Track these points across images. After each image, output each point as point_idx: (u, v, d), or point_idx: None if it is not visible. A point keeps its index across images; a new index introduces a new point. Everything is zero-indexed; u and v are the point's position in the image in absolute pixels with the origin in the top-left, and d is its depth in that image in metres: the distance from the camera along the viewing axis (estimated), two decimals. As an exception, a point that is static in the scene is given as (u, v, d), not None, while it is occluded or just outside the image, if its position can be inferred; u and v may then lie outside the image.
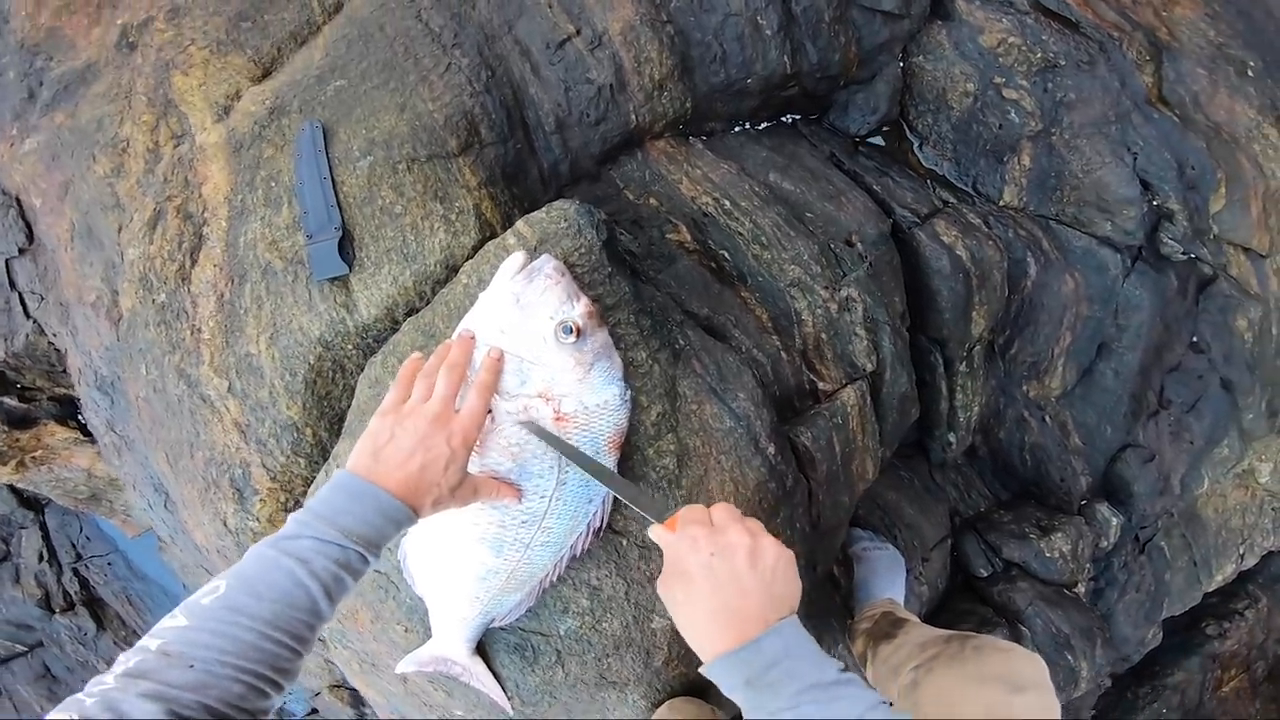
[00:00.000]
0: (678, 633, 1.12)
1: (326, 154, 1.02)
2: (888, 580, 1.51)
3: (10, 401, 1.48)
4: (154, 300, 1.11)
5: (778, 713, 0.64)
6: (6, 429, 1.53)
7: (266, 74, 1.18)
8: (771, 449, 1.09)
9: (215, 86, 1.18)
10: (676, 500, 1.01)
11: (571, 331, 0.89)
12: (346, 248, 1.01)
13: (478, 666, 1.07)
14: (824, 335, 1.25)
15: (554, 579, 1.01)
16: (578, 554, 1.01)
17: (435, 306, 1.04)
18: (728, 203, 1.29)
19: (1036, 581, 1.72)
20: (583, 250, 0.98)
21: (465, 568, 0.98)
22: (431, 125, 1.11)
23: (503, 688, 1.09)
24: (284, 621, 0.62)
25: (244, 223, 1.07)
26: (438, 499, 0.77)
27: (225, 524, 1.17)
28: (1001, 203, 1.58)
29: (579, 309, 0.90)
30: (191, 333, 1.10)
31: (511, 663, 1.06)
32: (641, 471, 1.04)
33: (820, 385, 1.24)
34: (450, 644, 1.04)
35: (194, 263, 1.09)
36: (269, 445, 1.11)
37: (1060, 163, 1.50)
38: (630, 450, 1.03)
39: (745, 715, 0.67)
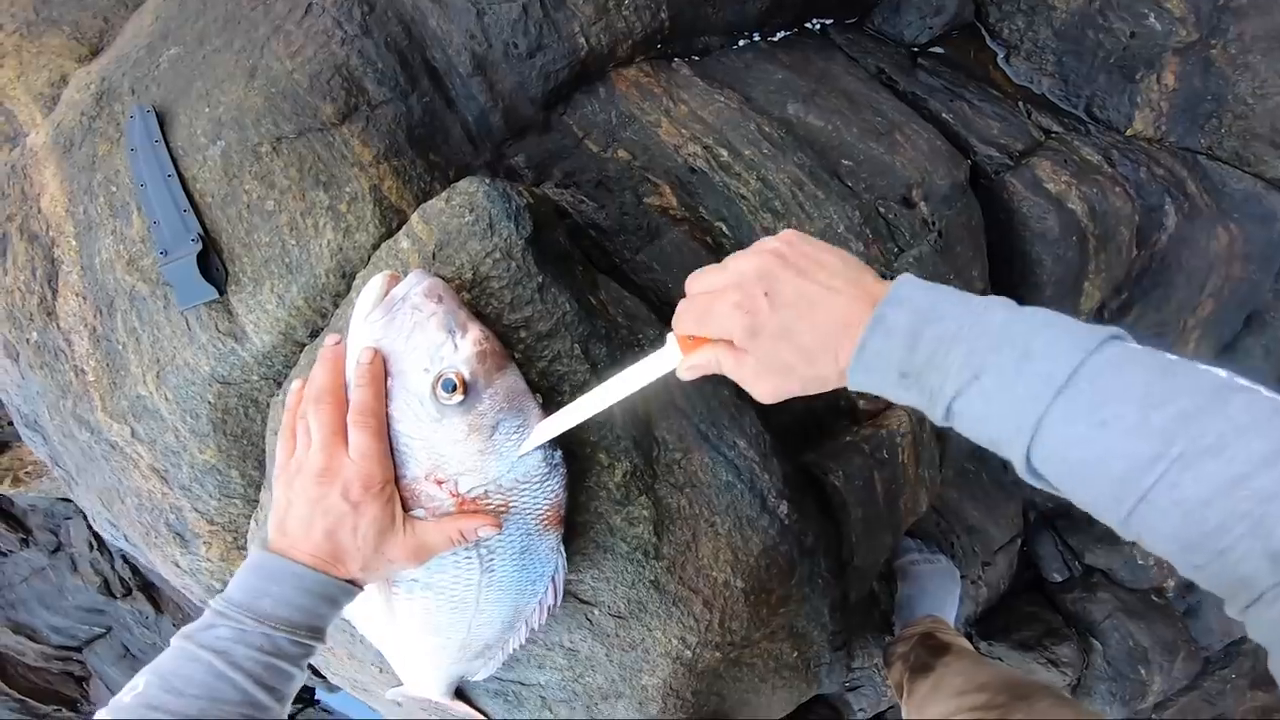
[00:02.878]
0: (674, 686, 0.94)
1: (166, 144, 0.80)
2: (936, 599, 1.28)
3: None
4: (28, 340, 0.92)
5: (962, 390, 0.47)
6: None
7: (96, 52, 0.94)
8: (783, 508, 0.83)
9: (35, 75, 0.93)
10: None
11: (454, 387, 0.63)
12: (214, 262, 0.79)
13: (458, 706, 0.94)
14: (866, 340, 0.95)
15: (514, 648, 0.84)
16: (535, 628, 0.82)
17: (337, 325, 0.79)
18: (724, 152, 0.94)
19: (1120, 590, 1.46)
20: (498, 255, 0.69)
21: (411, 641, 0.82)
22: (293, 90, 0.81)
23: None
24: (214, 715, 0.59)
25: (94, 240, 0.85)
26: (368, 564, 0.66)
27: (178, 565, 1.03)
28: (1129, 132, 1.17)
29: (464, 350, 0.64)
30: (76, 375, 0.92)
31: (496, 706, 0.95)
32: (606, 544, 0.81)
33: (859, 403, 0.95)
34: (424, 689, 0.91)
35: (55, 293, 0.88)
36: (194, 490, 0.94)
37: (1221, 84, 1.08)
38: (588, 519, 0.79)
39: (940, 419, 0.50)
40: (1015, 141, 1.11)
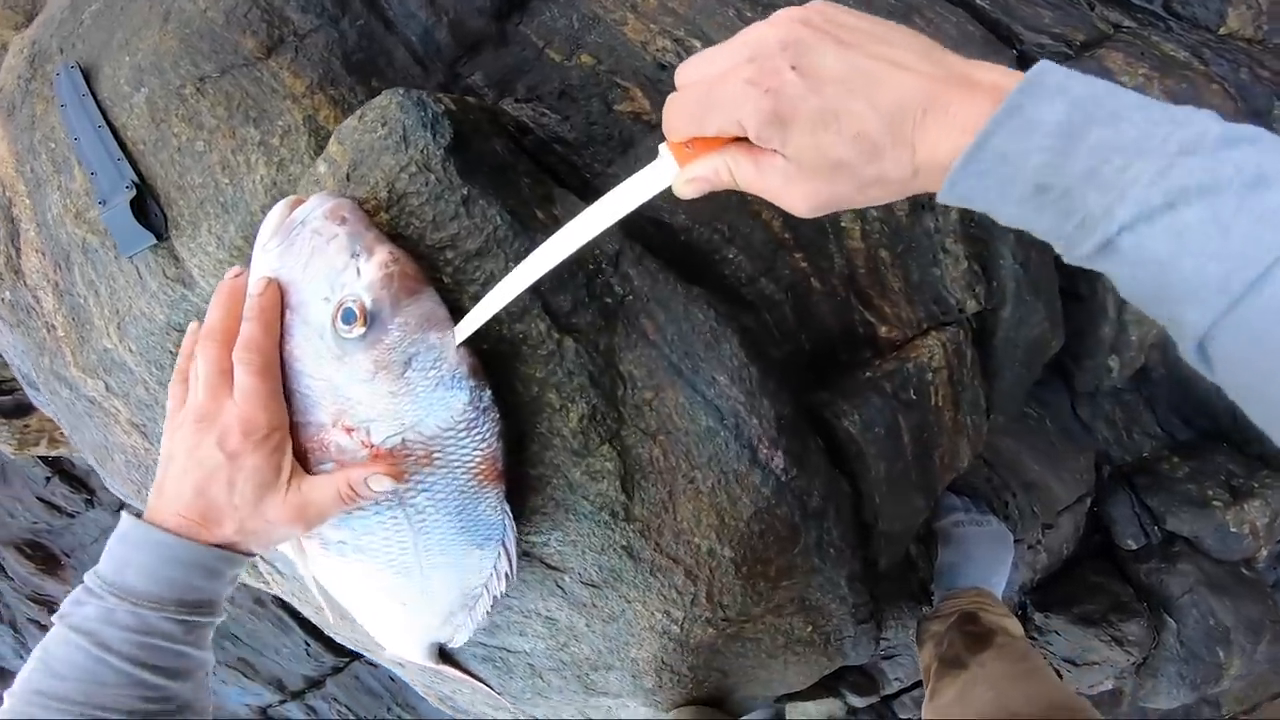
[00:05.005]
0: (666, 661, 0.82)
1: (95, 97, 0.84)
2: (984, 567, 1.11)
3: (-9, 397, 1.40)
4: (4, 299, 0.95)
5: (1143, 218, 0.34)
6: (6, 420, 1.51)
7: (30, 18, 0.99)
8: (778, 460, 0.68)
9: (-20, 43, 0.91)
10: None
11: (355, 317, 0.53)
12: (151, 208, 0.81)
13: (447, 669, 0.89)
14: (883, 253, 0.77)
15: (482, 616, 0.76)
16: (499, 595, 0.72)
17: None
18: (697, 43, 0.79)
19: (1205, 561, 1.27)
20: (414, 168, 0.60)
21: (369, 605, 0.77)
22: (208, 29, 0.77)
23: (488, 685, 0.92)
24: (100, 699, 0.53)
25: (44, 196, 0.87)
26: (246, 526, 0.56)
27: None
28: (1222, 31, 0.95)
29: (368, 274, 0.54)
30: (48, 331, 0.94)
31: (486, 671, 0.90)
32: (567, 502, 0.68)
33: (881, 330, 0.78)
34: (404, 653, 0.85)
35: (18, 251, 0.91)
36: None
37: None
38: (543, 473, 0.67)
39: (1085, 254, 0.37)
40: (1075, 32, 0.90)
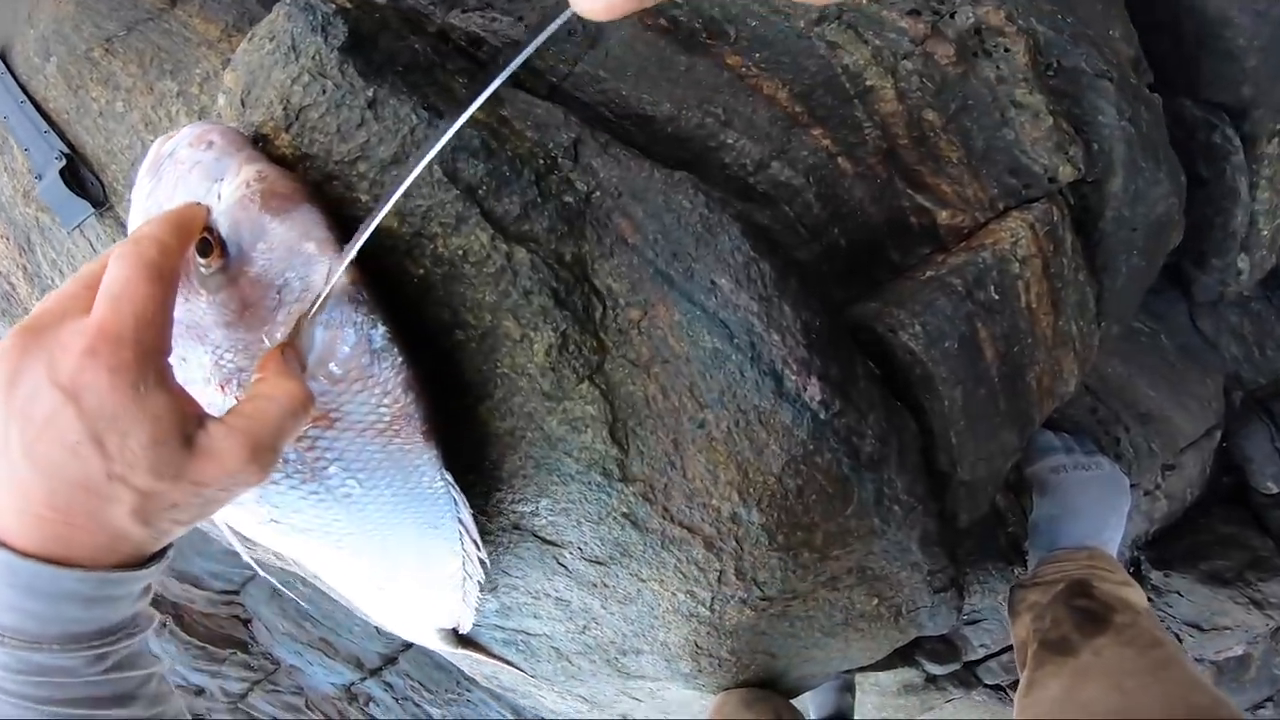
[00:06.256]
0: (700, 645, 0.74)
1: (12, 74, 0.87)
2: (1094, 521, 0.91)
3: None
4: None
5: None
6: None
7: None
8: (814, 389, 0.52)
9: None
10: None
11: (210, 249, 0.42)
12: (86, 177, 0.84)
13: (469, 651, 0.81)
14: (930, 115, 0.59)
15: (473, 601, 0.67)
16: (481, 580, 0.62)
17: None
18: None
19: (1368, 501, 1.03)
20: (307, 77, 0.51)
21: (356, 590, 0.71)
22: None
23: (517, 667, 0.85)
24: None
25: None
26: (150, 506, 0.36)
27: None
28: None
29: (228, 196, 0.44)
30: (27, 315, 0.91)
31: (511, 654, 0.83)
32: (548, 461, 0.56)
33: (941, 216, 0.61)
34: (419, 638, 0.80)
35: None
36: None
37: None
38: (515, 425, 0.54)
39: None
40: None
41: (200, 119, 0.69)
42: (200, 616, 2.40)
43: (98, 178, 0.82)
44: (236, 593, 2.31)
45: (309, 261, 0.43)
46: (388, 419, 0.46)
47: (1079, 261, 0.62)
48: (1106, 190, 0.63)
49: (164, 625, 2.33)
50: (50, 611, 0.37)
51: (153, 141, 0.70)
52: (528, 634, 0.78)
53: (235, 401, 0.43)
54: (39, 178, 0.84)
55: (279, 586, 0.76)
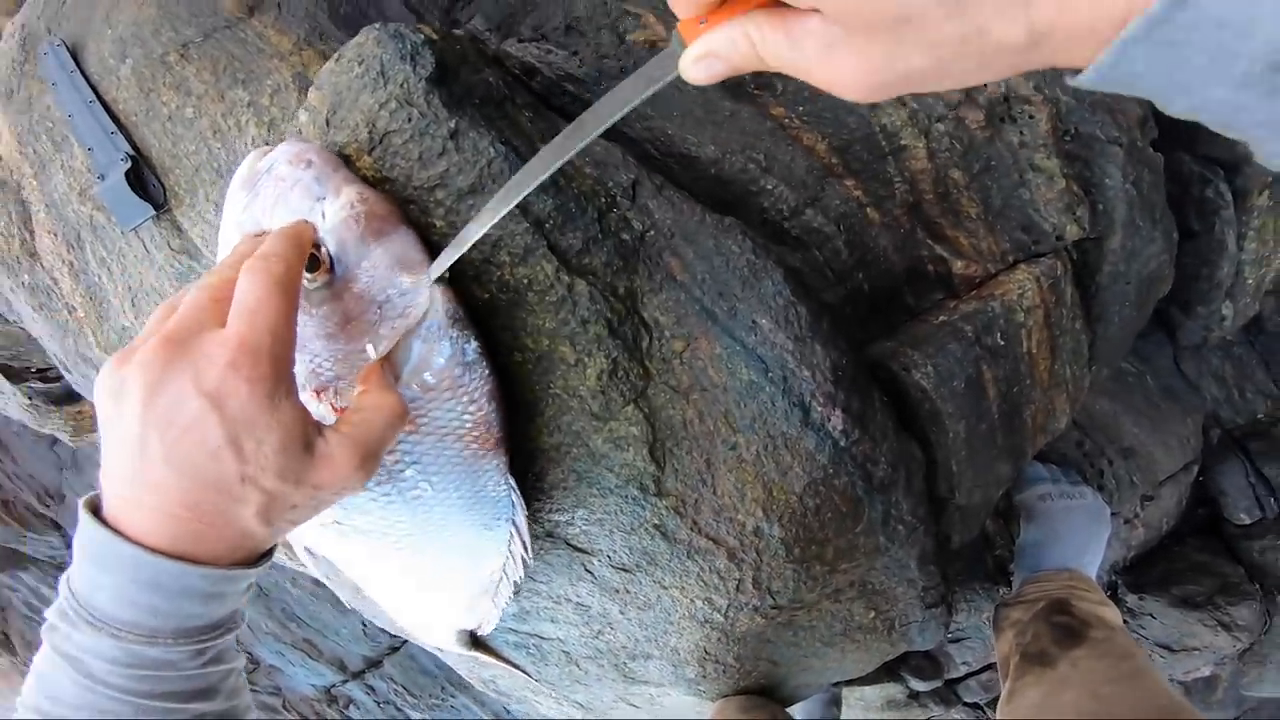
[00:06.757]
0: (709, 651, 0.73)
1: (82, 73, 0.87)
2: (1075, 547, 0.97)
3: (38, 385, 1.39)
4: (24, 284, 0.97)
5: None
6: (58, 407, 1.47)
7: (20, 3, 0.99)
8: (836, 420, 0.57)
9: (-29, 32, 0.94)
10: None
11: (317, 264, 0.46)
12: (149, 179, 0.84)
13: (480, 654, 0.83)
14: (955, 174, 0.64)
15: (505, 603, 0.70)
16: (518, 580, 0.65)
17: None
18: None
19: (1337, 534, 1.09)
20: (394, 104, 0.53)
21: (385, 589, 0.72)
22: None
23: (525, 671, 0.88)
24: None
25: (49, 177, 0.90)
26: (271, 511, 0.40)
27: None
28: None
29: (332, 216, 0.47)
30: (69, 312, 0.96)
31: (521, 658, 0.86)
32: (590, 475, 0.60)
33: (956, 266, 0.66)
34: (434, 639, 0.81)
35: (32, 234, 0.94)
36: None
37: None
38: (561, 440, 0.59)
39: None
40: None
41: (269, 130, 0.72)
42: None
43: (160, 181, 0.83)
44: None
45: (410, 280, 0.47)
46: (469, 425, 0.50)
47: (1077, 312, 0.68)
48: (1106, 247, 0.69)
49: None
50: (170, 606, 0.40)
51: (219, 149, 0.76)
52: (541, 637, 0.82)
53: (330, 408, 0.48)
54: (101, 177, 0.85)
55: (334, 580, 0.77)
